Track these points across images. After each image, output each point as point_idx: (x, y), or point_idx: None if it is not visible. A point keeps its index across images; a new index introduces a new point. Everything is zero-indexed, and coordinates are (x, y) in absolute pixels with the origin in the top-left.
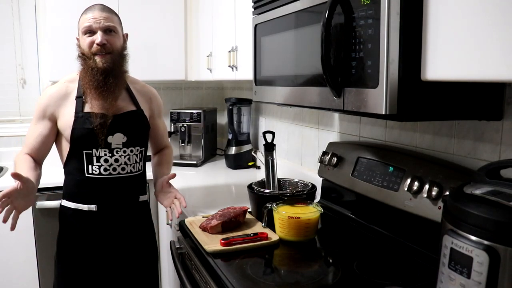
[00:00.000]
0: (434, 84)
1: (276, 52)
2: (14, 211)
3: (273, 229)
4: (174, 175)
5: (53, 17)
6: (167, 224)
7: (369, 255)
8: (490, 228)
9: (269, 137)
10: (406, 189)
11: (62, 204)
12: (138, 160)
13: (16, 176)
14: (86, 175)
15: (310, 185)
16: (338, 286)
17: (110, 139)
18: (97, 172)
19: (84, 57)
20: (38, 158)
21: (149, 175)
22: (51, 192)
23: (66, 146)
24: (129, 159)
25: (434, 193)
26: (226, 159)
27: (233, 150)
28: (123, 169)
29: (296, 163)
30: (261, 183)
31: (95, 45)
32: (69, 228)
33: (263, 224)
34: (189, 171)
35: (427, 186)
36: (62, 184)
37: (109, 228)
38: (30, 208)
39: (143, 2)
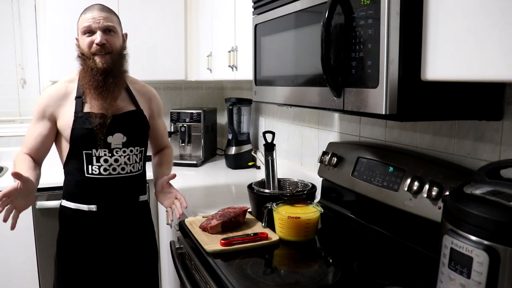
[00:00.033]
0: (434, 84)
1: (276, 52)
2: (14, 210)
3: (273, 229)
4: (174, 176)
5: (53, 17)
6: (167, 224)
7: (369, 255)
8: (490, 228)
9: (269, 137)
10: (406, 189)
11: (62, 204)
12: (138, 160)
13: (16, 175)
14: (86, 175)
15: (310, 185)
16: (338, 286)
17: (109, 139)
18: (97, 172)
19: (83, 57)
20: (37, 158)
21: (149, 175)
22: (51, 192)
23: (65, 146)
24: (128, 159)
25: (434, 193)
26: (226, 159)
27: (233, 150)
28: (123, 169)
29: (296, 163)
30: (261, 183)
31: (94, 45)
32: (69, 228)
33: (263, 224)
34: (189, 171)
35: (427, 186)
36: (62, 184)
37: (109, 228)
38: (30, 208)
39: (143, 2)
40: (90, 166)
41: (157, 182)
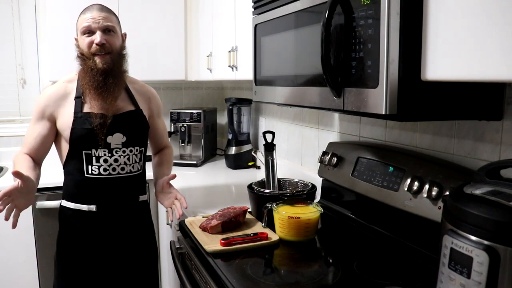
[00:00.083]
0: (434, 84)
1: (276, 52)
2: (15, 209)
3: (273, 229)
4: (174, 176)
5: (53, 17)
6: (167, 224)
7: (369, 255)
8: (490, 228)
9: (269, 137)
10: (406, 189)
11: (62, 204)
12: (137, 160)
13: (16, 174)
14: (86, 175)
15: (310, 185)
16: (338, 286)
17: (109, 139)
18: (97, 172)
19: (83, 57)
20: (37, 158)
21: (149, 175)
22: (51, 192)
23: (65, 147)
24: (128, 159)
25: (434, 193)
26: (226, 159)
27: (233, 150)
28: (122, 169)
29: (296, 163)
30: (261, 183)
31: (94, 45)
32: (69, 228)
33: (263, 224)
34: (189, 171)
35: (427, 186)
36: (62, 184)
37: (109, 228)
38: (30, 208)
39: (143, 2)
40: (89, 166)
41: (157, 182)
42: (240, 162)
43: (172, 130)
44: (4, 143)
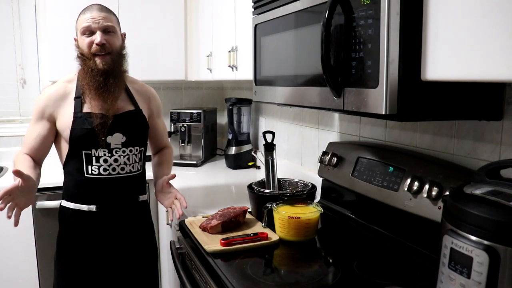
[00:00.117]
0: (434, 84)
1: (276, 52)
2: (16, 208)
3: (273, 229)
4: (174, 176)
5: (53, 17)
6: (167, 224)
7: (369, 255)
8: (490, 228)
9: (269, 137)
10: (406, 189)
11: (62, 204)
12: (137, 160)
13: (17, 173)
14: (86, 175)
15: (310, 185)
16: (338, 286)
17: (109, 139)
18: (97, 172)
19: (83, 57)
20: (37, 158)
21: (149, 175)
22: (51, 192)
23: (65, 147)
24: (128, 159)
25: (434, 193)
26: (226, 159)
27: (233, 150)
28: (122, 169)
29: (296, 163)
30: (261, 183)
31: (94, 45)
32: (69, 228)
33: (263, 224)
34: (189, 171)
35: (427, 186)
36: (62, 184)
37: (108, 228)
38: (30, 208)
39: (143, 2)
40: (89, 166)
41: (157, 182)
42: (240, 162)
43: (172, 130)
44: (4, 143)
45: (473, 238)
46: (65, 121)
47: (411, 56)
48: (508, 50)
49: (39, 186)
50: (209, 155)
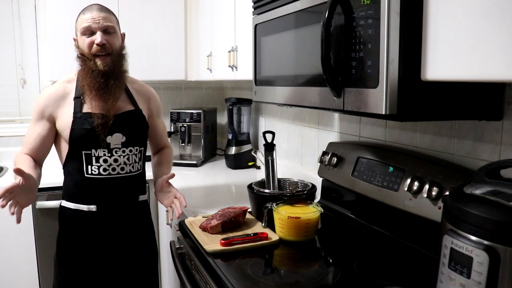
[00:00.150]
0: (434, 84)
1: (276, 52)
2: (17, 206)
3: (273, 229)
4: (173, 175)
5: (53, 17)
6: (167, 224)
7: (369, 255)
8: (490, 228)
9: (269, 137)
10: (406, 189)
11: (62, 204)
12: (137, 160)
13: (18, 171)
14: (86, 175)
15: (310, 185)
16: (338, 286)
17: (109, 139)
18: (97, 172)
19: (84, 58)
20: (37, 158)
21: (149, 175)
22: (51, 192)
23: (65, 147)
24: (128, 159)
25: (434, 193)
26: (226, 159)
27: (233, 150)
28: (122, 169)
29: (296, 163)
30: (261, 183)
31: (95, 46)
32: (69, 228)
33: (263, 224)
34: (189, 171)
35: (427, 186)
36: (62, 184)
37: (108, 228)
38: (30, 208)
39: (143, 2)
40: (89, 166)
41: (157, 181)
42: (240, 162)
43: (172, 130)
44: (4, 143)
45: (473, 238)
46: (64, 121)
47: (411, 56)
48: (508, 50)
49: (39, 186)
50: (209, 155)
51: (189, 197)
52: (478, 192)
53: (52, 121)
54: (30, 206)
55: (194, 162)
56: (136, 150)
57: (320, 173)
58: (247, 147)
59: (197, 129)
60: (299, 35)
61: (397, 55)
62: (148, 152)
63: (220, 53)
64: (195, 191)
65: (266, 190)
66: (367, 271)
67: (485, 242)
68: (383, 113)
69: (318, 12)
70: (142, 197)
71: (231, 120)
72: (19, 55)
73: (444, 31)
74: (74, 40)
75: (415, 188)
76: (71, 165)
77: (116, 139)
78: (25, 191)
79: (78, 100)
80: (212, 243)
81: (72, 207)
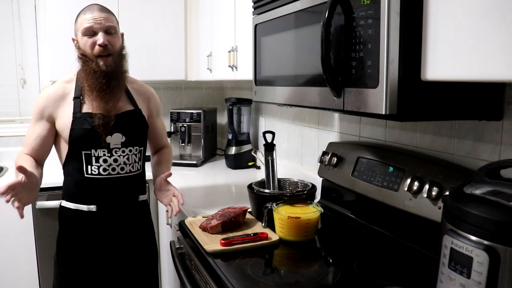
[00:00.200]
0: (434, 84)
1: (276, 52)
2: (19, 203)
3: (273, 229)
4: (170, 174)
5: (53, 17)
6: (167, 224)
7: (369, 255)
8: (490, 228)
9: (269, 137)
10: (406, 189)
11: (62, 204)
12: (137, 160)
13: (20, 169)
14: (85, 175)
15: (310, 185)
16: (338, 286)
17: (108, 139)
18: (96, 172)
19: (85, 59)
20: (38, 158)
21: (149, 175)
22: (51, 192)
23: (64, 147)
24: (128, 159)
25: (434, 193)
26: (226, 159)
27: (233, 150)
28: (122, 169)
29: (296, 163)
30: (261, 183)
31: (97, 46)
32: (69, 228)
33: (263, 224)
34: (189, 171)
35: (427, 186)
36: (62, 184)
37: (108, 228)
38: (30, 208)
39: (143, 2)
40: (89, 167)
41: (155, 180)
42: (240, 162)
43: (172, 130)
44: (4, 143)
45: (473, 238)
46: (64, 121)
47: (411, 56)
48: (508, 50)
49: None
50: (209, 155)
51: (189, 197)
52: (478, 192)
53: (51, 121)
54: (30, 206)
55: (194, 162)
56: (136, 150)
57: (320, 173)
58: (247, 147)
59: (197, 129)
60: (299, 35)
61: (397, 55)
62: (148, 152)
63: (220, 53)
64: (195, 191)
65: (266, 190)
66: (367, 271)
67: (485, 242)
68: (383, 113)
69: (318, 12)
70: (142, 197)
71: (231, 120)
72: (19, 55)
73: (444, 31)
74: (73, 40)
75: (415, 188)
76: (71, 165)
77: (116, 139)
78: (26, 189)
79: (78, 100)
80: (212, 243)
81: (72, 207)
